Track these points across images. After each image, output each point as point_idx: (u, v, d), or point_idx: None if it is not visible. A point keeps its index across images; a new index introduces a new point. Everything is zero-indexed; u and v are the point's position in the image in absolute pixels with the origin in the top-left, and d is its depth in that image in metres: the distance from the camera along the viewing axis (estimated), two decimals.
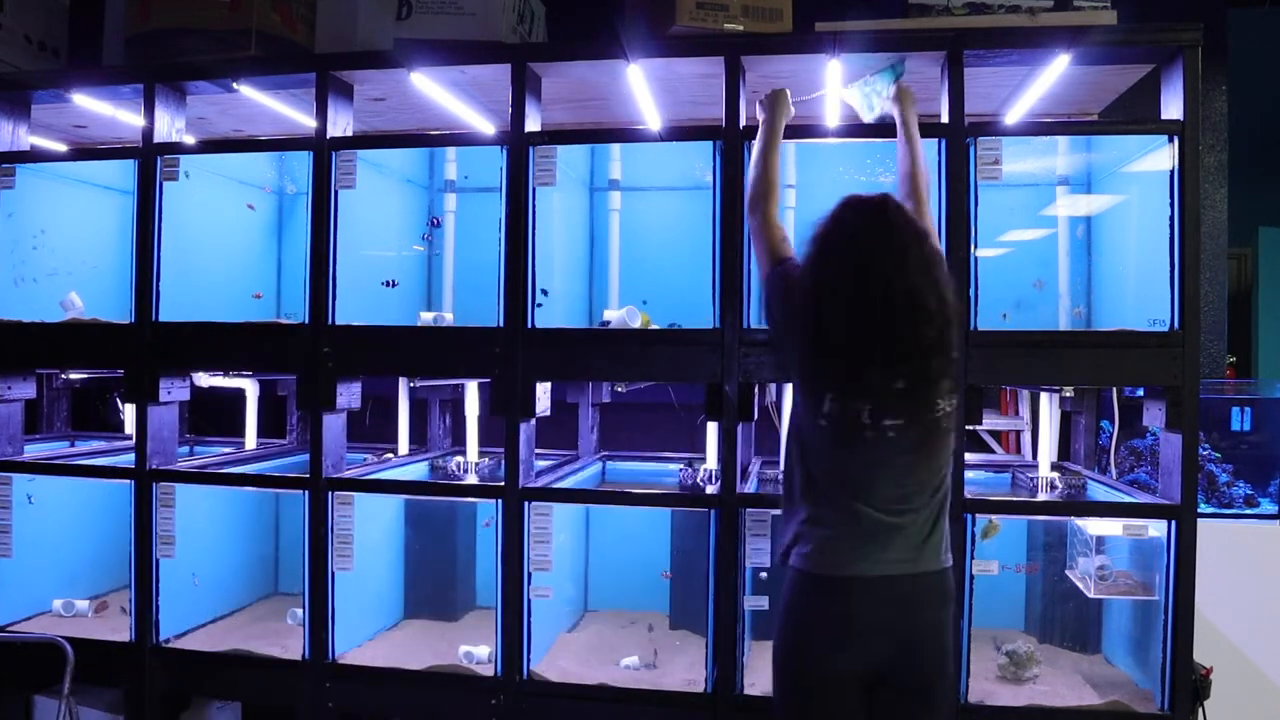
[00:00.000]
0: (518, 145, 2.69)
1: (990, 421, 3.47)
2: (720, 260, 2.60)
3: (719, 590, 2.59)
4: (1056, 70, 2.63)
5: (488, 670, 2.76)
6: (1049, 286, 3.24)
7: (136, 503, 2.90)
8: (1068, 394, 3.13)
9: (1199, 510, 2.46)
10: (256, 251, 3.69)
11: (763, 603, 2.64)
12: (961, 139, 2.51)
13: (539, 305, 2.72)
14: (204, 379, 3.24)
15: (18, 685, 3.04)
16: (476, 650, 2.85)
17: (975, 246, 2.50)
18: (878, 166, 3.37)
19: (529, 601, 2.69)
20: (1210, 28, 2.52)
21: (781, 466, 1.97)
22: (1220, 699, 2.65)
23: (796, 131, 3.07)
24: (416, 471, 3.32)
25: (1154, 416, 2.56)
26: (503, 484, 2.72)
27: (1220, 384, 3.63)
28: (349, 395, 2.86)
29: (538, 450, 2.88)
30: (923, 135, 2.40)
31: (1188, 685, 2.44)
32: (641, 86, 2.85)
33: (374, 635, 3.09)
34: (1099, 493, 2.92)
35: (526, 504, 2.69)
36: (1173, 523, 2.45)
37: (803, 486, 1.91)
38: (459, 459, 3.30)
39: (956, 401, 1.86)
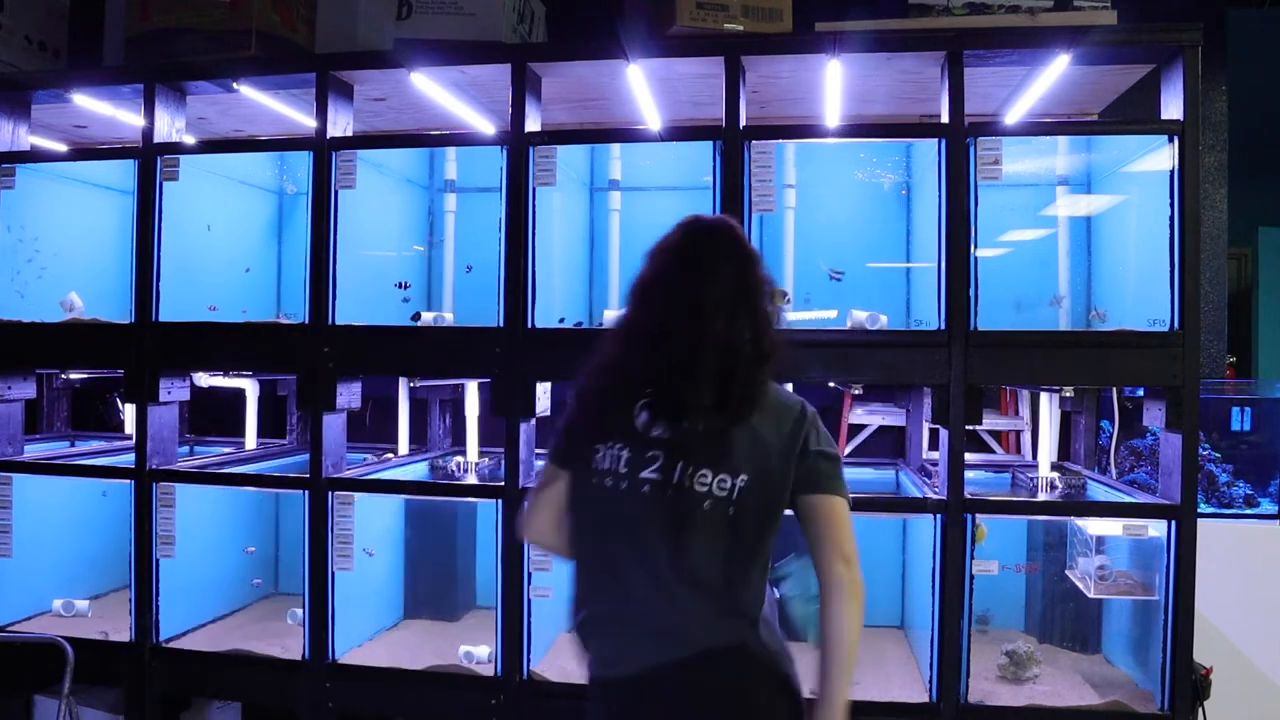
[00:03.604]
0: (518, 145, 2.69)
1: (990, 421, 3.47)
2: None
3: None
4: (1056, 70, 2.63)
5: (488, 670, 2.76)
6: (1048, 285, 3.23)
7: (136, 503, 2.90)
8: (1068, 394, 3.13)
9: (1199, 510, 2.47)
10: (257, 251, 3.69)
11: None
12: (961, 139, 2.51)
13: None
14: (204, 379, 3.24)
15: (18, 685, 3.05)
16: (476, 650, 2.85)
17: (975, 246, 2.50)
18: (876, 166, 3.37)
19: (529, 601, 2.69)
20: (1210, 28, 2.53)
21: None
22: (1220, 699, 2.65)
23: (796, 131, 3.08)
24: (416, 471, 3.31)
25: (1154, 416, 2.56)
26: (503, 484, 2.72)
27: (1220, 384, 3.62)
28: (349, 395, 2.86)
29: (538, 450, 2.88)
30: (923, 135, 2.37)
31: (1188, 685, 2.44)
32: (641, 86, 2.85)
33: (374, 635, 3.09)
34: (1099, 493, 2.92)
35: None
36: (1173, 523, 2.45)
37: (575, 571, 1.64)
38: (459, 459, 3.30)
39: (743, 485, 1.51)
